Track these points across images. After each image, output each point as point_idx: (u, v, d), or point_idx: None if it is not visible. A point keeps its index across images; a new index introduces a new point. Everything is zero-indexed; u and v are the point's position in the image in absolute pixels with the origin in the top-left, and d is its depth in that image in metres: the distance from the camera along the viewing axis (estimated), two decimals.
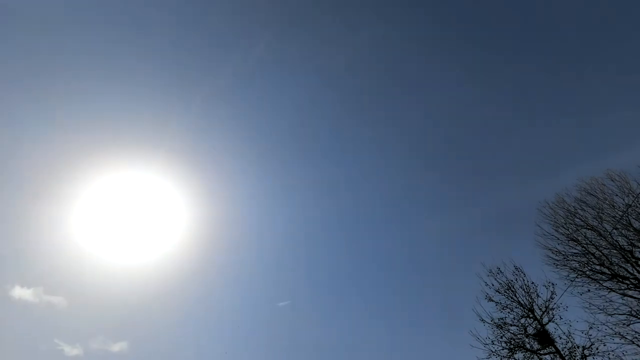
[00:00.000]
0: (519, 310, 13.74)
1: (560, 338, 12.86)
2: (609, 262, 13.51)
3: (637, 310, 12.78)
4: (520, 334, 13.48)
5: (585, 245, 14.03)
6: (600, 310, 13.25)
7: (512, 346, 13.28)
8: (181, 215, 45.25)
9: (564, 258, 14.48)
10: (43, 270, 38.84)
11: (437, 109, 46.09)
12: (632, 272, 13.05)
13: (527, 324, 13.52)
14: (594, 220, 14.07)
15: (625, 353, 12.17)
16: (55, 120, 43.52)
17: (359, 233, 48.41)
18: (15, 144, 41.11)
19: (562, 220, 14.85)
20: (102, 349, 35.06)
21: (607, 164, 17.76)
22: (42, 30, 40.50)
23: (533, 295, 13.76)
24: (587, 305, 13.50)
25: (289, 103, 49.47)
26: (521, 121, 41.48)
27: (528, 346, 13.26)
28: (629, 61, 30.64)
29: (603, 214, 13.91)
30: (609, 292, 13.40)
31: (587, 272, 13.87)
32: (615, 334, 12.54)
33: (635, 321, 12.70)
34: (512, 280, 14.28)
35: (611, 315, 13.04)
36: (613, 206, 13.82)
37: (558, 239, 14.81)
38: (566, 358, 12.42)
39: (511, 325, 13.66)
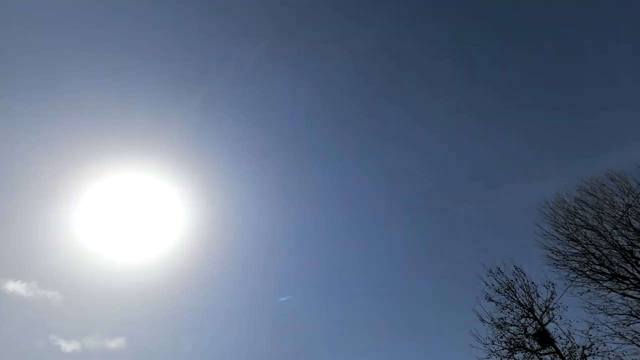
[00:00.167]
0: (519, 310, 13.74)
1: (560, 338, 12.87)
2: (609, 262, 13.51)
3: (637, 310, 12.78)
4: (520, 334, 13.48)
5: (585, 245, 14.03)
6: (600, 310, 13.26)
7: (512, 346, 13.28)
8: (181, 213, 45.29)
9: (564, 258, 14.48)
10: (37, 265, 38.88)
11: (437, 109, 46.10)
12: (632, 272, 13.05)
13: (527, 324, 13.52)
14: (594, 220, 14.07)
15: (625, 353, 12.18)
16: (55, 120, 43.54)
17: (359, 232, 48.44)
18: (14, 144, 41.11)
19: (562, 220, 14.85)
20: (99, 345, 35.07)
21: (607, 164, 17.78)
22: (43, 30, 40.52)
23: (533, 295, 13.76)
24: (587, 305, 13.52)
25: (288, 103, 49.48)
26: (521, 121, 41.50)
27: (528, 346, 13.26)
28: (629, 61, 30.66)
29: (603, 214, 13.91)
30: (609, 292, 13.40)
31: (587, 272, 13.87)
32: (615, 334, 12.54)
33: (635, 321, 12.70)
34: (512, 280, 14.28)
35: (611, 315, 13.04)
36: (613, 206, 13.82)
37: (558, 239, 14.82)
38: (566, 358, 12.41)
39: (511, 325, 13.66)
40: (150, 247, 44.53)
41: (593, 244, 13.89)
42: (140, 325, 39.71)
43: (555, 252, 14.73)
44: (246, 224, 48.40)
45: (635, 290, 12.93)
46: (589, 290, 13.68)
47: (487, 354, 13.39)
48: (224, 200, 47.87)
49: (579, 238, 14.20)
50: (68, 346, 34.06)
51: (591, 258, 13.86)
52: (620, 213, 13.43)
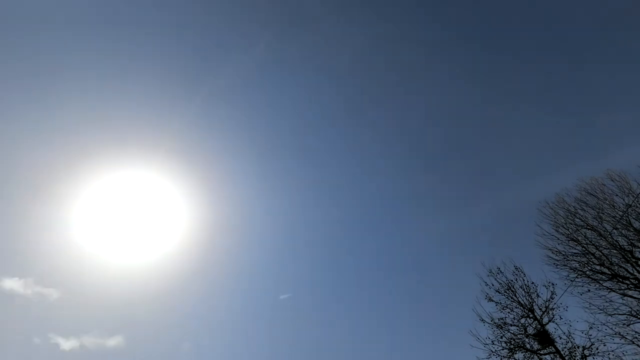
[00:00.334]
0: (519, 310, 13.74)
1: (560, 338, 12.87)
2: (609, 262, 13.51)
3: (637, 310, 12.77)
4: (520, 334, 13.48)
5: (585, 245, 14.03)
6: (600, 310, 13.25)
7: (512, 346, 13.28)
8: (181, 213, 45.28)
9: (564, 258, 14.48)
10: (35, 263, 38.88)
11: (437, 109, 46.12)
12: (632, 272, 13.04)
13: (527, 324, 13.52)
14: (594, 220, 14.07)
15: (625, 353, 12.18)
16: (55, 120, 43.54)
17: (359, 232, 48.43)
18: (14, 143, 41.12)
19: (562, 220, 14.85)
20: (98, 343, 35.03)
21: (607, 164, 17.77)
22: (43, 30, 40.52)
23: (533, 295, 13.76)
24: (587, 305, 13.52)
25: (289, 103, 49.50)
26: (521, 121, 41.50)
27: (528, 346, 13.26)
28: (629, 61, 30.65)
29: (603, 214, 13.91)
30: (609, 292, 13.40)
31: (587, 272, 13.87)
32: (615, 334, 12.54)
33: (635, 321, 12.69)
34: (512, 280, 14.28)
35: (611, 315, 13.04)
36: (613, 206, 13.82)
37: (558, 239, 14.81)
38: (566, 358, 12.41)
39: (511, 325, 13.66)
40: (149, 246, 44.57)
41: (593, 244, 13.89)
42: (139, 323, 39.65)
43: (555, 252, 14.74)
44: (245, 222, 48.42)
45: (635, 290, 12.93)
46: (589, 290, 13.68)
47: (487, 354, 13.41)
48: (224, 199, 47.90)
49: (579, 238, 14.20)
50: (66, 344, 34.05)
51: (591, 258, 13.85)
52: (620, 213, 13.43)
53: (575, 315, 13.12)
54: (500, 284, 14.41)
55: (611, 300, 13.29)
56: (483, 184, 43.57)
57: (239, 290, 44.73)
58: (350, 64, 47.32)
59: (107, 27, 41.51)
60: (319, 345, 36.21)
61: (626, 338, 12.37)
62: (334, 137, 50.60)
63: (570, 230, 14.52)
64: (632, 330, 12.53)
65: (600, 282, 13.60)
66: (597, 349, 12.27)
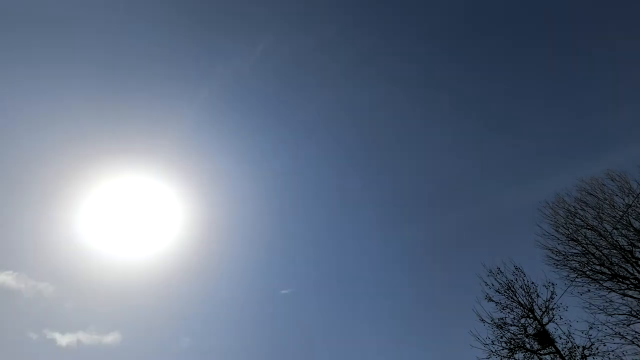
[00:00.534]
0: (519, 311, 13.73)
1: (560, 338, 12.85)
2: (609, 262, 13.50)
3: (637, 310, 12.77)
4: (520, 334, 13.46)
5: (585, 246, 14.02)
6: (600, 310, 13.25)
7: (512, 346, 13.26)
8: (180, 210, 45.32)
9: (564, 258, 14.47)
10: (27, 257, 38.84)
11: (437, 109, 46.12)
12: (632, 272, 13.04)
13: (527, 324, 13.50)
14: (594, 220, 14.07)
15: (625, 353, 12.17)
16: (55, 120, 43.53)
17: (359, 232, 48.44)
18: (14, 142, 41.12)
19: (562, 220, 14.84)
20: (95, 339, 34.94)
21: (607, 164, 17.75)
22: (43, 30, 40.53)
23: (533, 295, 13.74)
24: (587, 305, 13.52)
25: (288, 103, 49.51)
26: (521, 121, 41.50)
27: (528, 346, 13.25)
28: (629, 61, 30.65)
29: (603, 214, 13.91)
30: (609, 292, 13.39)
31: (587, 272, 13.86)
32: (615, 334, 12.53)
33: (635, 321, 12.69)
34: (512, 280, 14.25)
35: (611, 315, 13.03)
36: (613, 206, 13.82)
37: (558, 239, 14.81)
38: (566, 358, 12.40)
39: (511, 325, 13.64)
40: (148, 243, 44.58)
41: (593, 244, 13.89)
42: (136, 320, 39.55)
43: (555, 252, 14.73)
44: (246, 220, 48.50)
45: (635, 290, 12.92)
46: (589, 290, 13.68)
47: (487, 354, 13.38)
48: (224, 198, 47.93)
49: (579, 238, 14.19)
50: (63, 340, 33.95)
51: (591, 258, 13.85)
52: (620, 213, 13.43)
53: (575, 315, 13.12)
54: (500, 284, 14.40)
55: (611, 300, 13.30)
56: (483, 183, 43.58)
57: (238, 286, 44.74)
58: (350, 64, 47.35)
59: (107, 28, 41.55)
60: (318, 340, 36.24)
61: (626, 338, 12.37)
62: (333, 137, 50.62)
63: (570, 230, 14.52)
64: (632, 330, 12.53)
65: (600, 282, 13.60)
66: (597, 349, 12.26)
